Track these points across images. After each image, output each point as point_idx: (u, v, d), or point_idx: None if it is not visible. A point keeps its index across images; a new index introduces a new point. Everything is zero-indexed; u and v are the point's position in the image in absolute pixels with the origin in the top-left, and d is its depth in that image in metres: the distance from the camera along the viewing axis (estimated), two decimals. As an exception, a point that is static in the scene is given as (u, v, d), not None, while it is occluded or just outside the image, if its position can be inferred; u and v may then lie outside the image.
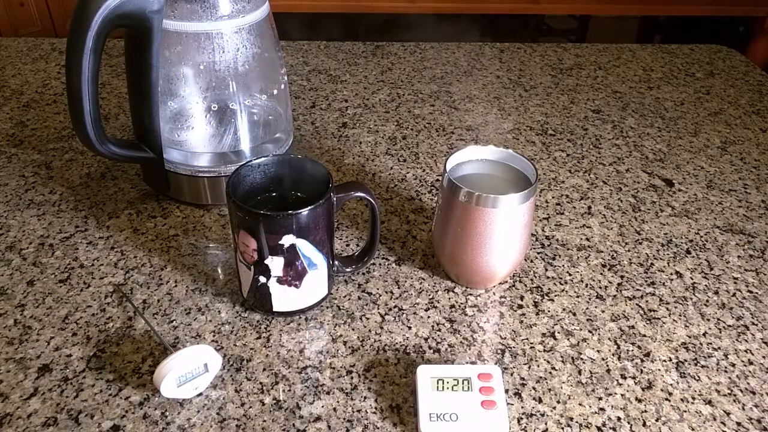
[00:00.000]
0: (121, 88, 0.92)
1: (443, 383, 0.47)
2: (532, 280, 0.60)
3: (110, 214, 0.66)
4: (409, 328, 0.55)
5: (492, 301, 0.58)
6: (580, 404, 0.49)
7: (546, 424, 0.47)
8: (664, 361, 0.52)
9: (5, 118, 0.83)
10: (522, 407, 0.48)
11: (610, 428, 0.47)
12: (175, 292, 0.57)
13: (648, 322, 0.56)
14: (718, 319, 0.57)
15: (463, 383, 0.47)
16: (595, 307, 0.57)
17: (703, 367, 0.52)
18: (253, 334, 0.53)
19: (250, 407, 0.48)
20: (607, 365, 0.52)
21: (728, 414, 0.48)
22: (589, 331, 0.55)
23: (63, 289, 0.57)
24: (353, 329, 0.54)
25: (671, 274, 0.62)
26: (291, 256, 0.50)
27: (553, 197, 0.72)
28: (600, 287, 0.60)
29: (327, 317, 0.55)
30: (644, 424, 0.47)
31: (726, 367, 0.52)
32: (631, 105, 0.92)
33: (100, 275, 0.59)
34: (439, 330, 0.54)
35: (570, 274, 0.61)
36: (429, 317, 0.56)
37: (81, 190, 0.70)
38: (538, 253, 0.63)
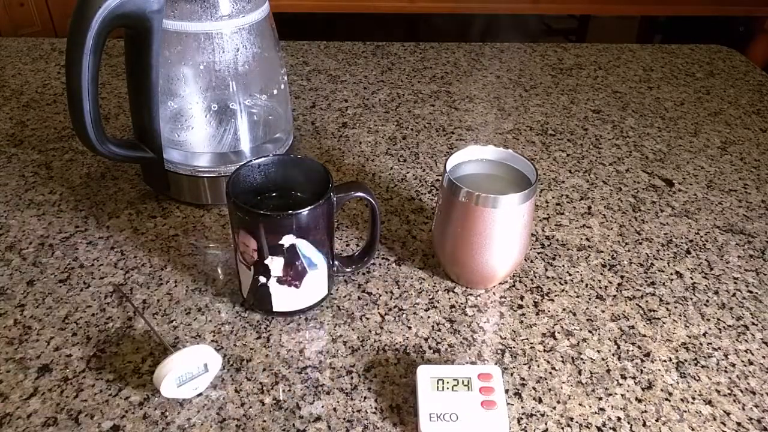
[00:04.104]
0: (121, 88, 0.92)
1: (443, 383, 0.47)
2: (532, 280, 0.60)
3: (110, 214, 0.66)
4: (409, 328, 0.55)
5: (492, 301, 0.58)
6: (580, 404, 0.49)
7: (546, 424, 0.47)
8: (664, 361, 0.52)
9: (5, 118, 0.83)
10: (522, 407, 0.48)
11: (610, 428, 0.47)
12: (175, 292, 0.57)
13: (648, 322, 0.56)
14: (718, 319, 0.57)
15: (463, 383, 0.47)
16: (595, 307, 0.57)
17: (703, 367, 0.52)
18: (253, 334, 0.53)
19: (250, 407, 0.48)
20: (607, 365, 0.52)
21: (728, 414, 0.48)
22: (589, 331, 0.55)
23: (63, 289, 0.57)
24: (353, 329, 0.54)
25: (671, 274, 0.62)
26: (291, 256, 0.50)
27: (553, 197, 0.72)
28: (600, 287, 0.60)
29: (327, 317, 0.55)
30: (644, 424, 0.47)
31: (726, 367, 0.52)
32: (631, 105, 0.92)
33: (100, 275, 0.59)
34: (439, 330, 0.54)
35: (570, 274, 0.61)
36: (429, 317, 0.56)
37: (81, 190, 0.70)
38: (538, 253, 0.63)
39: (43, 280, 0.58)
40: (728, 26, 2.48)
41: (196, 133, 0.68)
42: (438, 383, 0.47)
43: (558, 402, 0.49)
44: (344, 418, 0.47)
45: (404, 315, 0.56)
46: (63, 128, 0.81)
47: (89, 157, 0.76)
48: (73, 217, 0.66)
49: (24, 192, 0.69)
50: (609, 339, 0.54)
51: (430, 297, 0.58)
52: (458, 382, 0.47)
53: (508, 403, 0.48)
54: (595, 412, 0.48)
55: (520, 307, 0.57)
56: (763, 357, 0.53)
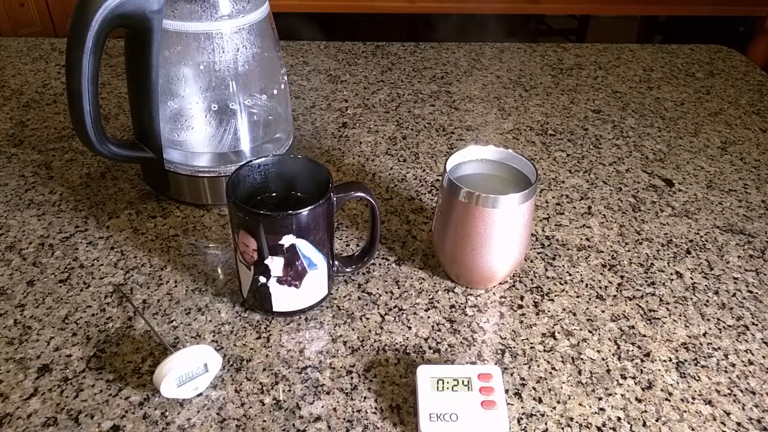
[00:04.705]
0: (121, 88, 0.92)
1: (443, 383, 0.47)
2: (532, 280, 0.60)
3: (110, 214, 0.66)
4: (409, 328, 0.55)
5: (492, 301, 0.58)
6: (580, 404, 0.49)
7: (546, 424, 0.47)
8: (664, 361, 0.52)
9: (5, 118, 0.83)
10: (522, 407, 0.48)
11: (610, 428, 0.47)
12: (175, 292, 0.57)
13: (648, 322, 0.56)
14: (718, 319, 0.57)
15: (463, 383, 0.47)
16: (595, 307, 0.57)
17: (703, 367, 0.52)
18: (253, 334, 0.53)
19: (250, 407, 0.48)
20: (607, 365, 0.52)
21: (728, 414, 0.48)
22: (589, 331, 0.55)
23: (63, 289, 0.57)
24: (353, 329, 0.54)
25: (671, 274, 0.62)
26: (291, 256, 0.50)
27: (553, 197, 0.72)
28: (600, 287, 0.60)
29: (327, 317, 0.55)
30: (644, 424, 0.47)
31: (726, 367, 0.52)
32: (631, 105, 0.92)
33: (100, 275, 0.59)
34: (439, 330, 0.54)
35: (570, 274, 0.61)
36: (429, 317, 0.56)
37: (81, 190, 0.70)
38: (538, 253, 0.63)
39: (43, 280, 0.58)
40: (728, 26, 2.48)
41: (196, 133, 0.68)
42: (438, 383, 0.47)
43: (558, 402, 0.49)
44: (344, 418, 0.47)
45: (404, 315, 0.56)
46: (63, 128, 0.81)
47: (89, 157, 0.76)
48: (73, 217, 0.66)
49: (24, 192, 0.69)
50: (609, 339, 0.54)
51: (430, 297, 0.58)
52: (458, 382, 0.47)
53: (508, 403, 0.48)
54: (595, 412, 0.48)
55: (520, 307, 0.57)
56: (763, 357, 0.53)
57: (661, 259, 0.63)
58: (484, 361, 0.52)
